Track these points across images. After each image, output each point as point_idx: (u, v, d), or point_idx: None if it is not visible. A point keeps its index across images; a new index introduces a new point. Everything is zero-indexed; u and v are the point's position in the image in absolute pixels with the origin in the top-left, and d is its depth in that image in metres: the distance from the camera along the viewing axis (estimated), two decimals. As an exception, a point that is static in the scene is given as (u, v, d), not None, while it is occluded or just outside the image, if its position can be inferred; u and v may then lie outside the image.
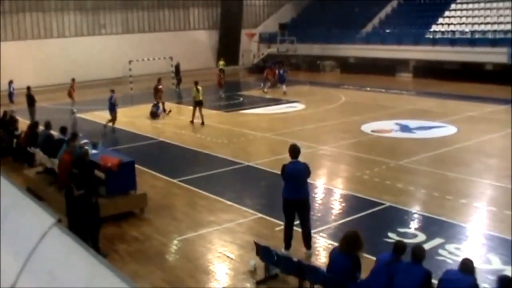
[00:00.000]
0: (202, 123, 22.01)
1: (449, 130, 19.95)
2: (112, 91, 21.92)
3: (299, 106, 26.30)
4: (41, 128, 16.28)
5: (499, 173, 14.60)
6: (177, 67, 34.72)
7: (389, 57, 37.70)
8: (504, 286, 6.52)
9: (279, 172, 10.00)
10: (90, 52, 39.08)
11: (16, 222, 2.61)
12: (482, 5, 37.79)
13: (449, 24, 37.88)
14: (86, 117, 25.02)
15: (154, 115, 24.07)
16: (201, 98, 22.30)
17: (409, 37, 37.64)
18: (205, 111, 22.97)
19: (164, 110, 24.59)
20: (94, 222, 9.92)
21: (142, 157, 16.23)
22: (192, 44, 44.33)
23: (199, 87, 22.50)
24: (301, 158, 9.88)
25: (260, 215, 11.81)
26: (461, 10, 38.78)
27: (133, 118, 23.80)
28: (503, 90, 26.82)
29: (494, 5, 36.88)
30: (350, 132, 19.97)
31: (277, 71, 31.74)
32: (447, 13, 39.08)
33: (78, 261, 2.14)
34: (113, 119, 21.58)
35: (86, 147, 11.82)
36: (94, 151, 12.47)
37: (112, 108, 21.53)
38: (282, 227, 10.06)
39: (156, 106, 24.28)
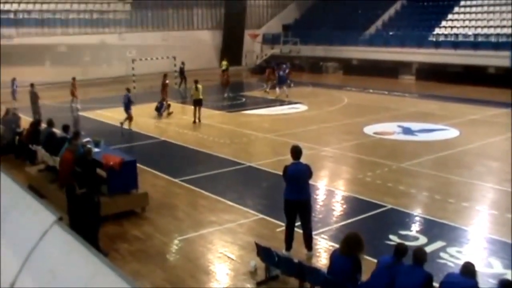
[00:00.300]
0: (199, 120, 22.17)
1: (451, 133, 19.93)
2: (128, 90, 21.84)
3: (301, 107, 26.28)
4: (43, 126, 16.29)
5: (501, 176, 14.58)
6: (182, 67, 34.77)
7: (392, 59, 37.69)
8: None
9: (281, 173, 9.99)
10: (93, 50, 39.19)
11: (16, 220, 2.61)
12: (485, 8, 37.76)
13: (452, 27, 37.84)
14: (89, 115, 25.04)
15: (158, 110, 24.22)
16: (200, 97, 22.39)
17: (412, 40, 37.63)
18: (207, 111, 22.96)
19: (168, 106, 24.62)
20: (95, 220, 9.92)
21: (144, 156, 16.24)
22: (195, 44, 44.40)
23: (199, 86, 22.59)
24: (303, 159, 9.86)
25: (261, 216, 11.80)
26: (464, 13, 38.74)
27: (135, 117, 23.67)
28: (505, 94, 26.76)
29: (497, 8, 36.85)
30: (353, 134, 19.94)
31: (276, 73, 31.40)
32: (450, 16, 39.04)
33: (79, 260, 2.13)
34: (127, 118, 21.48)
35: (89, 146, 11.83)
36: (96, 150, 12.48)
37: (128, 107, 21.39)
38: (283, 228, 10.04)
39: (161, 102, 24.42)
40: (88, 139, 13.57)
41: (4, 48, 33.73)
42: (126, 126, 21.49)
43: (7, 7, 39.92)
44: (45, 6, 41.36)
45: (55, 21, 40.41)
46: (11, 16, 40.28)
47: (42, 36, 38.95)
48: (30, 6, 41.03)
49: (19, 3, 40.55)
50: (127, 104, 21.36)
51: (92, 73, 36.25)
